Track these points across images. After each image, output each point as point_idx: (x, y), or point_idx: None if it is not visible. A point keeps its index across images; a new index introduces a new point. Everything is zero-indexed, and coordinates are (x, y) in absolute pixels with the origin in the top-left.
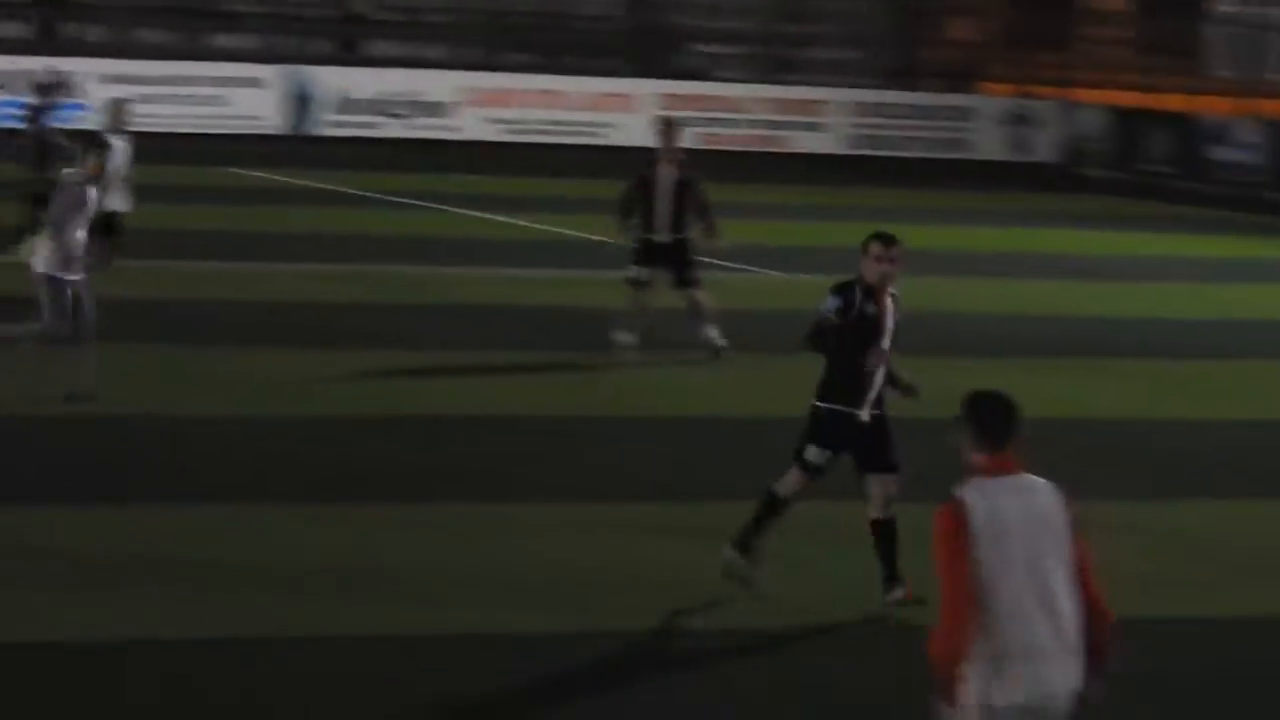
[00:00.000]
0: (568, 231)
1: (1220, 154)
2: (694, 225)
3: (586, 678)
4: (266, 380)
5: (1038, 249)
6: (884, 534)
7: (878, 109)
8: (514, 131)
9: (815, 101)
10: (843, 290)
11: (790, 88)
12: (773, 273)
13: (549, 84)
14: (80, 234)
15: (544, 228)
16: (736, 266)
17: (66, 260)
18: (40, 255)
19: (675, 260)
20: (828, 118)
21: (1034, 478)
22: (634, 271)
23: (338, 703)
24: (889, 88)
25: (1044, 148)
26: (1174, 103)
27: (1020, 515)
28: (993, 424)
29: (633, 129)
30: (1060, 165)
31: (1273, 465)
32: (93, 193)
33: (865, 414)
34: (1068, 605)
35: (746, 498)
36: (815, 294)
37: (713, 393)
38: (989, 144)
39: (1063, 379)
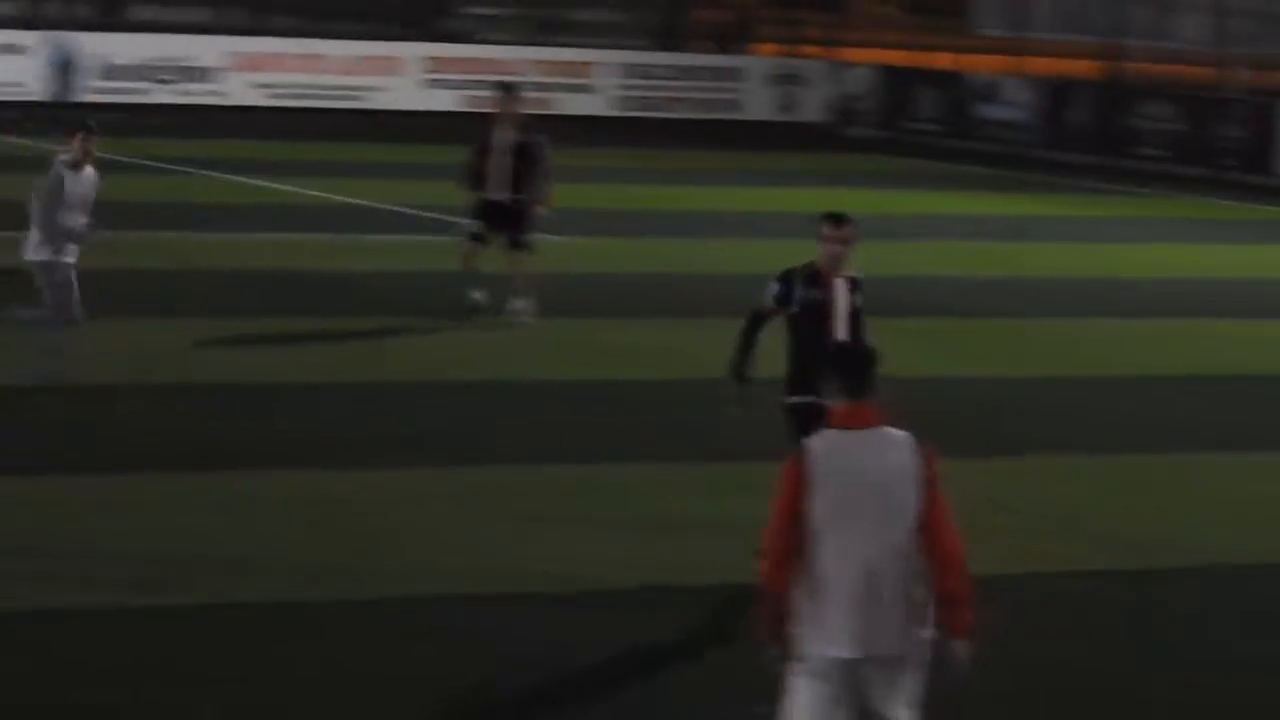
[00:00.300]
0: (336, 197)
1: (988, 112)
2: (535, 188)
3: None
4: (27, 349)
5: (808, 209)
6: None
7: (646, 70)
8: (281, 96)
9: (583, 63)
10: (782, 277)
11: (558, 50)
12: (542, 236)
13: (315, 48)
14: (70, 216)
15: (313, 193)
16: None
17: (57, 244)
18: (30, 242)
19: (511, 221)
20: (596, 80)
21: (892, 431)
22: (470, 225)
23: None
24: (657, 49)
25: (813, 108)
26: (942, 61)
27: (864, 468)
28: (848, 375)
29: (400, 92)
30: (829, 125)
31: (1065, 421)
32: (73, 175)
33: None
34: (902, 563)
35: (528, 461)
36: (584, 256)
37: (501, 356)
38: (758, 104)
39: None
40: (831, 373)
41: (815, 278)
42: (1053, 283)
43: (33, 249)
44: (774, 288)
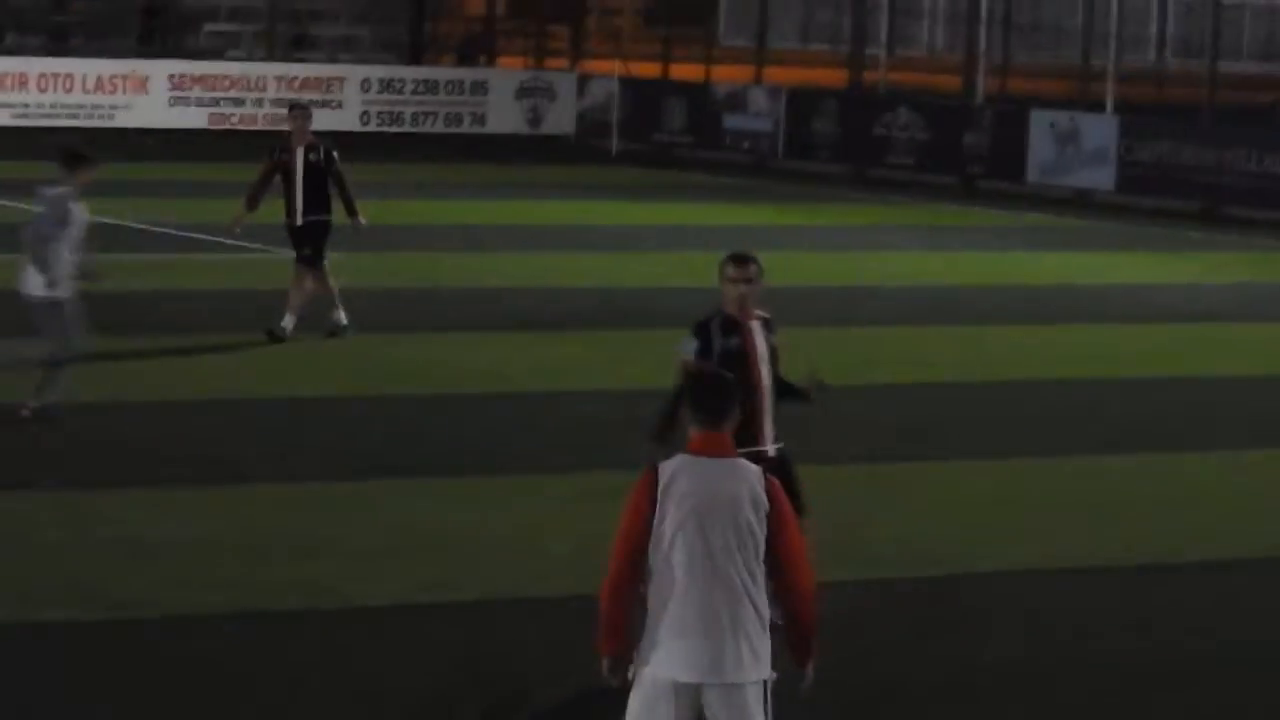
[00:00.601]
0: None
1: (734, 122)
2: (333, 206)
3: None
4: None
5: (557, 221)
6: None
7: (391, 85)
8: (24, 116)
9: (329, 79)
10: (698, 330)
11: (304, 65)
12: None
13: (58, 67)
14: (67, 251)
15: None
16: (255, 246)
17: (54, 279)
18: (29, 278)
19: (309, 240)
20: (342, 95)
21: (744, 463)
22: (298, 253)
23: None
24: (402, 63)
25: (560, 120)
26: (687, 72)
27: (714, 494)
28: (707, 404)
29: (145, 109)
30: (576, 137)
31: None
32: (77, 208)
33: (770, 449)
34: (746, 590)
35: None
36: (338, 272)
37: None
38: (504, 117)
39: (600, 350)
40: (691, 401)
41: (730, 324)
42: (799, 291)
43: (45, 285)
44: (691, 345)
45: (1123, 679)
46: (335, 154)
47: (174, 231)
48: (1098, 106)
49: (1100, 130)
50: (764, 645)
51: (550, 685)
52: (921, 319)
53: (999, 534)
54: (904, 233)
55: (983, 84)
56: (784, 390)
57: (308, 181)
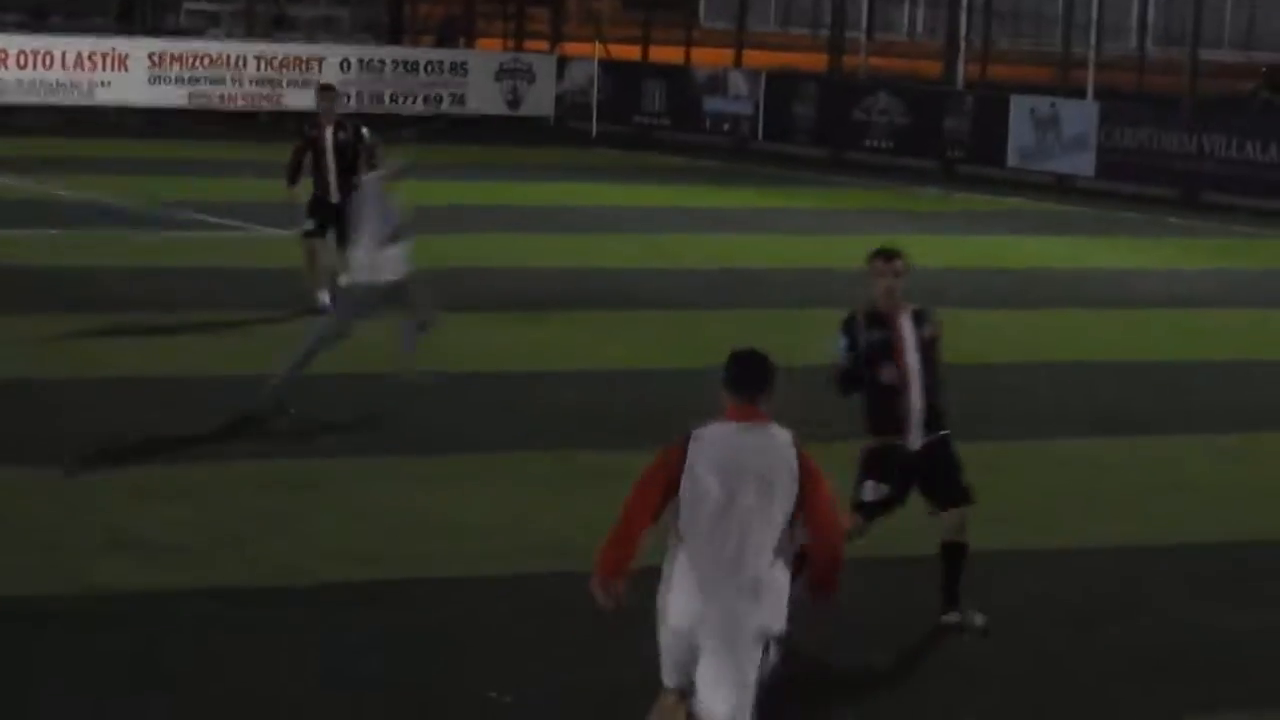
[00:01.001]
0: (62, 192)
1: (714, 105)
2: None
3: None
4: None
5: (537, 202)
6: (949, 555)
7: (372, 65)
8: (1, 93)
9: (309, 59)
10: (846, 327)
11: (283, 45)
12: (271, 230)
13: (37, 44)
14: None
15: (36, 188)
16: (233, 224)
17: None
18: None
19: (339, 218)
20: (321, 75)
21: (776, 428)
22: (307, 223)
23: None
24: (382, 44)
25: (539, 102)
26: (667, 55)
27: (744, 457)
28: (738, 377)
29: (124, 87)
30: (555, 119)
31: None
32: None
33: (915, 442)
34: (763, 548)
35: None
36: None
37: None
38: (484, 98)
39: (580, 331)
40: (729, 375)
41: (876, 317)
42: (777, 274)
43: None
44: (842, 341)
45: (1113, 664)
46: (365, 131)
47: (154, 209)
48: (1078, 93)
49: (1080, 116)
50: (779, 601)
51: (533, 660)
52: None
53: (976, 517)
54: (883, 216)
55: (963, 69)
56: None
57: (338, 160)
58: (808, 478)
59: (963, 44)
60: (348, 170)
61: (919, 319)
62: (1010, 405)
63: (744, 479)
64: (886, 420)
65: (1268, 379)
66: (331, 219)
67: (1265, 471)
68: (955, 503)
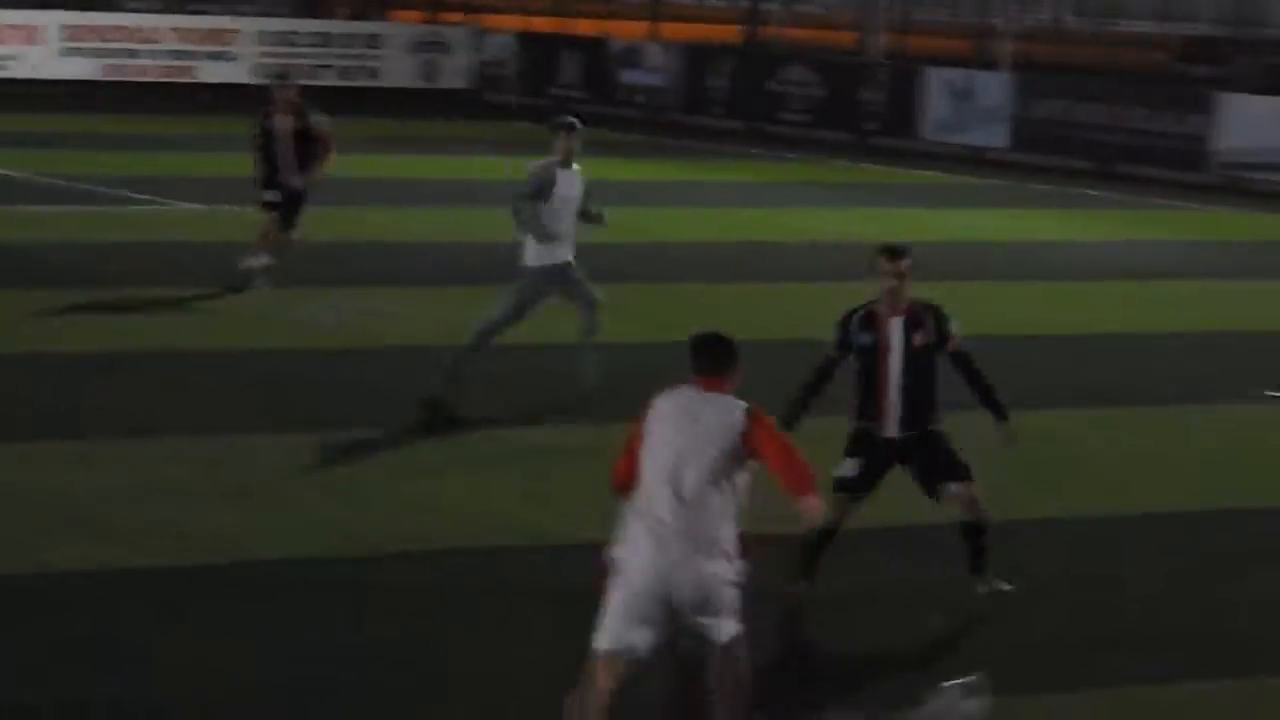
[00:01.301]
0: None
1: (630, 77)
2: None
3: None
4: None
5: (454, 176)
6: (968, 533)
7: (287, 38)
8: None
9: (224, 31)
10: (841, 323)
11: (198, 17)
12: (186, 204)
13: None
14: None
15: None
16: (148, 198)
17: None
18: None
19: (291, 203)
20: (237, 47)
21: (729, 397)
22: (270, 193)
23: None
24: (298, 16)
25: (455, 74)
26: (584, 27)
27: (693, 419)
28: (698, 357)
29: (38, 60)
30: (472, 92)
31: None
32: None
33: (893, 432)
34: (713, 505)
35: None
36: (231, 226)
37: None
38: (399, 71)
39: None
40: (693, 353)
41: (869, 320)
42: (693, 247)
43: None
44: (835, 335)
45: (1045, 632)
46: (315, 117)
47: (65, 184)
48: (994, 65)
49: (995, 89)
50: (728, 556)
51: (495, 629)
52: (818, 276)
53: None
54: (799, 189)
55: (878, 41)
56: (983, 397)
57: (295, 147)
58: (759, 428)
59: (878, 16)
60: (303, 156)
61: (915, 322)
62: None
63: (694, 438)
64: (869, 410)
65: (1176, 351)
66: (284, 203)
67: (1178, 442)
68: (951, 478)
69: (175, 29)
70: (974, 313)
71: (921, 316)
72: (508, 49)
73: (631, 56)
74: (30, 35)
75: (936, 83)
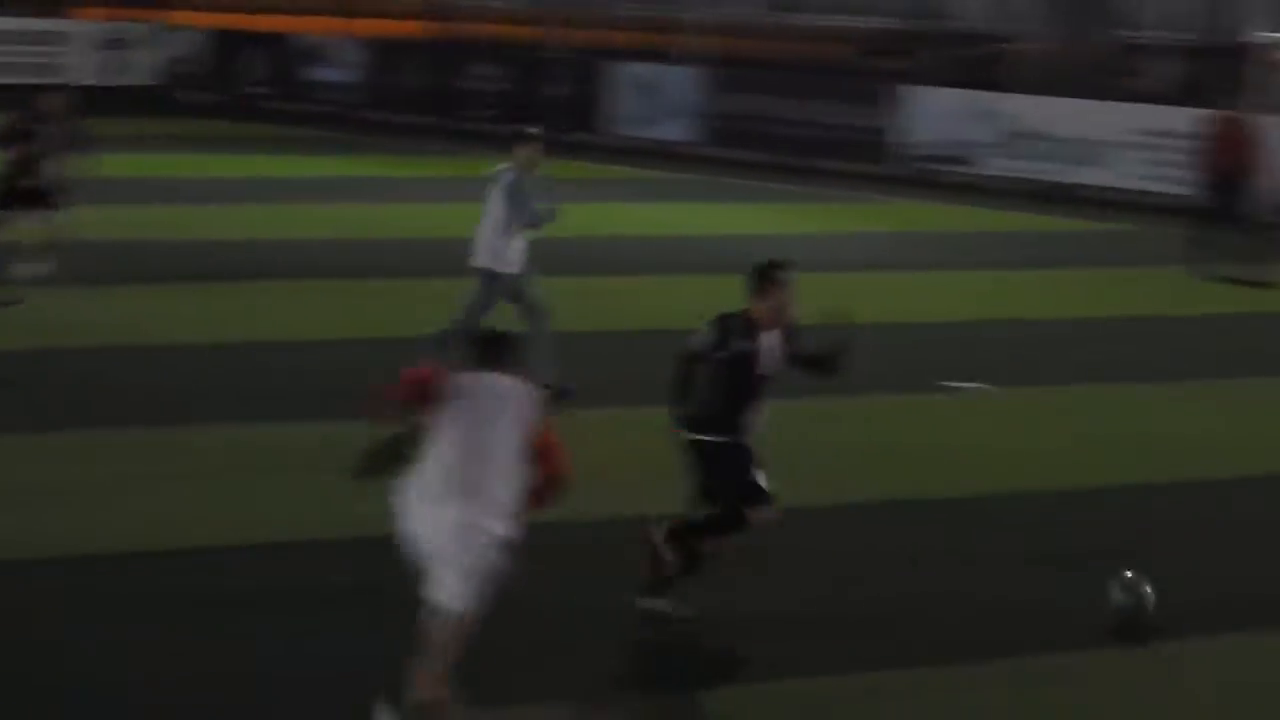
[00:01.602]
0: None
1: (318, 74)
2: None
3: None
4: None
5: (144, 173)
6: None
7: None
8: None
9: None
10: (718, 324)
11: None
12: None
13: None
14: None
15: None
16: None
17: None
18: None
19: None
20: None
21: (506, 379)
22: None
23: None
24: None
25: (142, 71)
26: (270, 23)
27: (489, 396)
28: (477, 352)
29: None
30: (157, 88)
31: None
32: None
33: (745, 441)
34: (498, 469)
35: None
36: None
37: None
38: (84, 68)
39: (186, 304)
40: (479, 351)
41: (749, 327)
42: (381, 244)
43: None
44: (699, 336)
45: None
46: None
47: None
48: (680, 59)
49: (681, 83)
50: (500, 514)
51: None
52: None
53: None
54: (478, 184)
55: (560, 36)
56: (809, 364)
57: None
58: (533, 419)
59: (560, 10)
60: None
61: (790, 337)
62: (631, 373)
63: (488, 411)
64: (733, 423)
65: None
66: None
67: (855, 434)
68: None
69: None
70: (671, 306)
71: (799, 332)
72: (195, 45)
73: (318, 53)
74: None
75: (623, 77)
